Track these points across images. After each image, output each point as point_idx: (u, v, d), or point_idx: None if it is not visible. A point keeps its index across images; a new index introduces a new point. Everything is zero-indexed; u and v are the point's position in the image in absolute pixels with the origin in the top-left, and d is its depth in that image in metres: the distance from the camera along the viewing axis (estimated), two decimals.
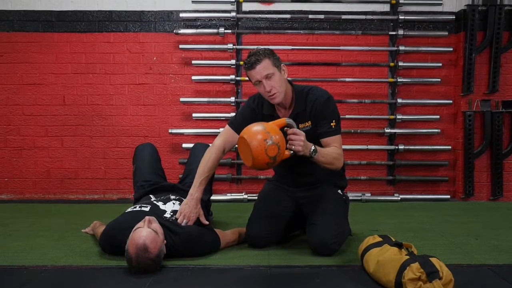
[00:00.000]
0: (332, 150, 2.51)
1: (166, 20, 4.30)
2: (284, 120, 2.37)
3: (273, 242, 2.69)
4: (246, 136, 2.25)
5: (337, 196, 2.73)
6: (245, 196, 4.14)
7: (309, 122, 2.58)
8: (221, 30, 4.19)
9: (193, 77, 4.23)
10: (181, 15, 4.22)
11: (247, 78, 4.18)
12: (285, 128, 2.35)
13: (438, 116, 4.27)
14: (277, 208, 2.71)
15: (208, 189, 3.04)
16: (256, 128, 2.27)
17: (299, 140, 2.31)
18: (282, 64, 2.52)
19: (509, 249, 2.66)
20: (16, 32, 4.29)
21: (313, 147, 2.38)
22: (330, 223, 2.53)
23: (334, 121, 2.55)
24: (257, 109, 2.67)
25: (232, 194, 4.24)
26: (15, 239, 2.91)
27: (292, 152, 2.33)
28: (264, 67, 2.43)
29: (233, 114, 4.21)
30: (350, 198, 4.10)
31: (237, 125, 2.64)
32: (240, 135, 2.31)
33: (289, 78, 2.63)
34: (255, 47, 4.11)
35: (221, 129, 4.15)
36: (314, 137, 2.56)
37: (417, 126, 4.31)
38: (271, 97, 2.49)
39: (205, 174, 2.64)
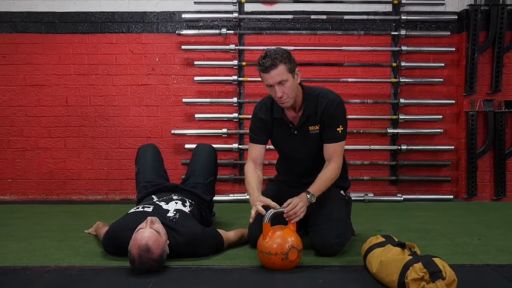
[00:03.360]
0: (326, 175, 2.53)
1: (168, 21, 4.31)
2: (267, 225, 2.32)
3: None
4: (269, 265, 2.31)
5: (339, 196, 2.72)
6: (248, 197, 4.12)
7: (318, 125, 2.56)
8: (223, 30, 4.20)
9: (196, 78, 4.24)
10: (183, 16, 4.23)
11: (249, 79, 4.22)
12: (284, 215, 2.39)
13: (441, 116, 4.27)
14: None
15: (211, 190, 3.05)
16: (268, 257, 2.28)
17: (300, 211, 2.39)
18: (297, 69, 2.46)
19: None
20: (19, 34, 4.30)
21: (309, 197, 2.45)
22: (332, 224, 2.52)
23: (341, 126, 2.55)
24: (266, 116, 2.64)
25: (234, 195, 4.24)
26: (18, 240, 2.92)
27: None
28: (278, 73, 2.38)
29: (235, 114, 4.22)
30: (353, 198, 4.11)
31: (258, 139, 2.68)
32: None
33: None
34: (257, 47, 4.19)
35: (223, 130, 4.22)
36: (321, 140, 2.57)
37: (420, 126, 4.31)
38: (281, 102, 2.48)
39: (259, 190, 2.60)
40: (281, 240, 2.28)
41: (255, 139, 2.69)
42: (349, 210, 2.77)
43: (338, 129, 2.54)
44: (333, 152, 2.55)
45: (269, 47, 2.46)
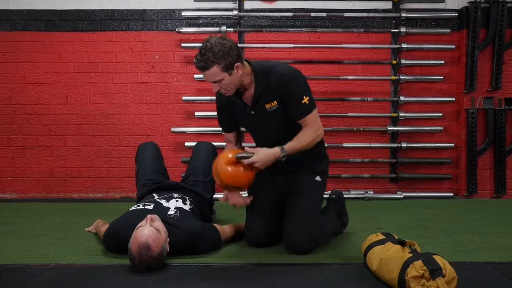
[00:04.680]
0: (302, 135, 2.45)
1: (168, 19, 4.31)
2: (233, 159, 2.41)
3: (271, 239, 2.66)
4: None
5: (314, 184, 2.62)
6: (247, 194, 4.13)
7: (275, 102, 2.45)
8: (223, 28, 4.19)
9: (195, 76, 4.23)
10: (183, 13, 4.22)
11: None
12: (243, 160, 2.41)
13: (441, 114, 4.27)
14: (266, 207, 2.68)
15: (211, 188, 3.05)
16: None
17: (257, 163, 2.38)
18: (236, 64, 2.35)
19: None
20: (19, 32, 4.30)
21: (282, 155, 2.40)
22: (302, 223, 2.50)
23: (304, 96, 2.40)
24: (223, 101, 2.61)
25: None
26: (19, 238, 2.92)
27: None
28: (210, 75, 2.35)
29: None
30: (353, 196, 4.15)
31: (226, 128, 2.74)
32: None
33: (248, 60, 2.52)
34: (257, 45, 4.19)
35: None
36: (283, 117, 2.48)
37: (420, 123, 4.31)
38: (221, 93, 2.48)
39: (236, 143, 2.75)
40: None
41: (224, 128, 2.75)
42: (321, 203, 2.69)
43: (303, 101, 2.40)
44: (307, 124, 2.46)
45: (210, 38, 2.36)
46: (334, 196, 2.91)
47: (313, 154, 2.59)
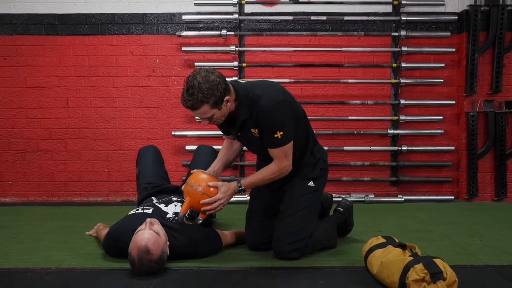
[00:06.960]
0: (263, 174, 2.50)
1: (168, 23, 4.31)
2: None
3: (267, 242, 2.63)
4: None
5: (306, 191, 2.59)
6: (248, 198, 4.12)
7: (257, 130, 2.45)
8: (224, 32, 4.20)
9: None
10: (184, 17, 4.23)
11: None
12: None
13: (441, 117, 4.27)
14: (260, 211, 2.71)
15: None
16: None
17: (218, 208, 2.45)
18: (226, 98, 2.33)
19: None
20: (19, 36, 4.30)
21: (238, 188, 2.49)
22: (289, 231, 2.49)
23: (279, 131, 2.37)
24: None
25: (235, 196, 4.20)
26: (19, 241, 2.92)
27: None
28: (200, 113, 2.35)
29: None
30: (353, 199, 4.14)
31: (222, 131, 2.74)
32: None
33: (241, 81, 2.55)
34: (257, 49, 4.20)
35: None
36: (263, 144, 2.49)
37: (420, 127, 4.31)
38: None
39: (220, 161, 2.73)
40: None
41: (222, 132, 2.76)
42: (314, 211, 2.64)
43: (275, 135, 2.38)
44: (275, 156, 2.46)
45: (196, 74, 2.31)
46: (341, 210, 2.85)
47: (304, 162, 2.59)
